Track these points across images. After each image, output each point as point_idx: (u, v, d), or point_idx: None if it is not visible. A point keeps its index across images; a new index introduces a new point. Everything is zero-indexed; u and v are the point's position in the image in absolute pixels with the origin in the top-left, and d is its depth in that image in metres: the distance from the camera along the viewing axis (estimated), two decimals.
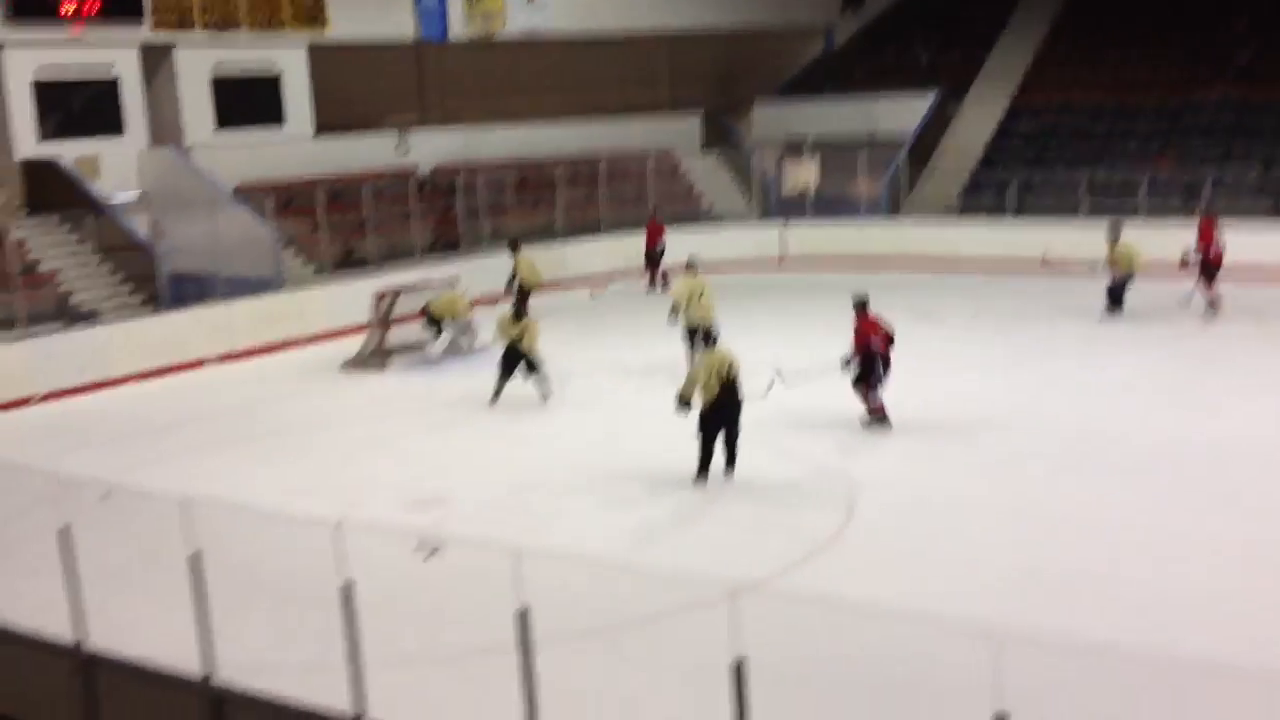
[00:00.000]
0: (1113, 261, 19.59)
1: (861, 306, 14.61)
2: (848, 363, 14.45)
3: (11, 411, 17.35)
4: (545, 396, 16.15)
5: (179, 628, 7.75)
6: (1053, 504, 11.78)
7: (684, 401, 12.63)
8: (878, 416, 14.50)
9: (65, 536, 8.34)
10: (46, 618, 8.60)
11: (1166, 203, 24.74)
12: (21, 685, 8.65)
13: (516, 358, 16.05)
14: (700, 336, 16.20)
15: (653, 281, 24.36)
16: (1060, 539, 10.90)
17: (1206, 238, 19.64)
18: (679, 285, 18.11)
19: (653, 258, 24.57)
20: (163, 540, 8.33)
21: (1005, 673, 5.06)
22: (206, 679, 7.61)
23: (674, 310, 17.60)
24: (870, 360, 14.39)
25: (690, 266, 18.25)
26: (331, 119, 26.54)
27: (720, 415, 12.50)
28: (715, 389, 12.40)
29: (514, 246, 21.57)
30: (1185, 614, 9.22)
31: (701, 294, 17.44)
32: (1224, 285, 19.49)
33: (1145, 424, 14.23)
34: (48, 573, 8.60)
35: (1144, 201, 24.68)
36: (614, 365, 18.41)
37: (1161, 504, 11.66)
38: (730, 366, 12.54)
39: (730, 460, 12.62)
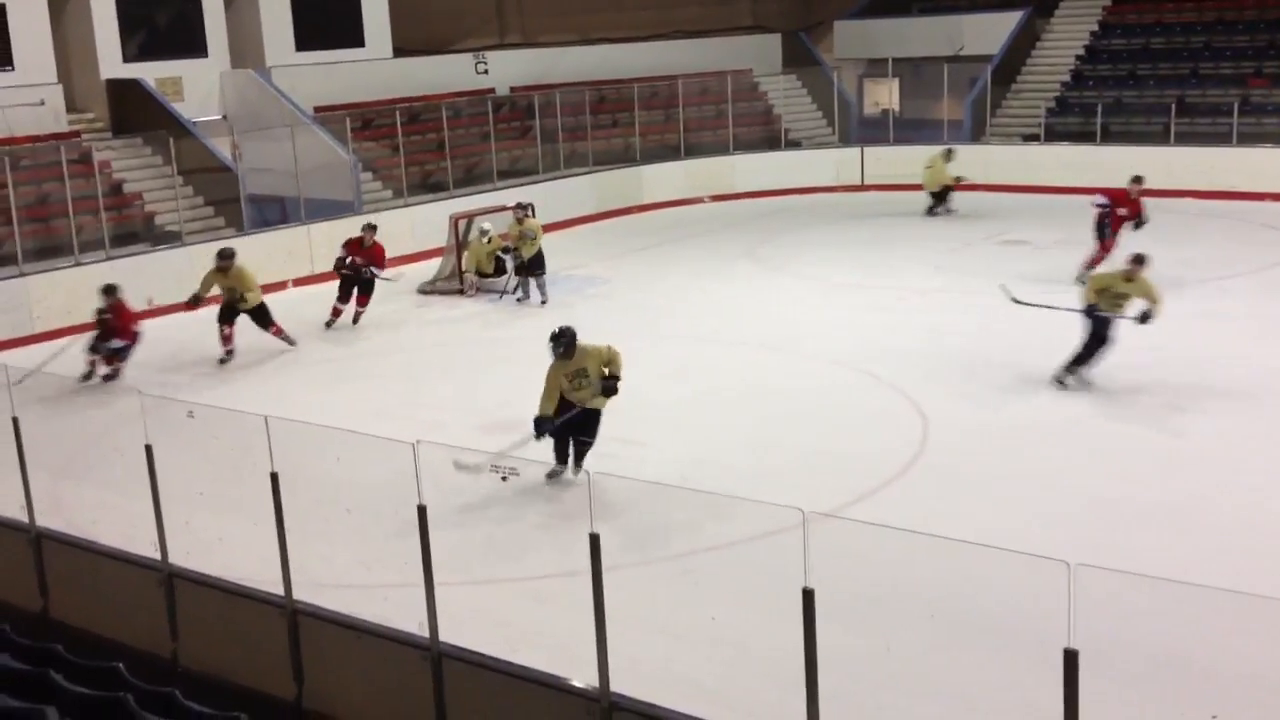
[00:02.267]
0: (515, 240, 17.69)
1: (110, 291, 14.77)
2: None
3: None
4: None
5: (260, 545, 7.90)
6: (1143, 435, 11.59)
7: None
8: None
9: (150, 454, 8.50)
10: (131, 534, 8.82)
11: (1260, 126, 23.99)
12: (106, 601, 8.88)
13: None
14: None
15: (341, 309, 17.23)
16: (1140, 471, 10.74)
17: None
18: None
19: (357, 281, 17.00)
20: (244, 458, 8.48)
21: (1077, 603, 4.99)
22: (284, 596, 7.76)
23: None
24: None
25: None
26: (409, 40, 26.49)
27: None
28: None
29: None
30: (1272, 551, 9.06)
31: None
32: None
33: (1236, 354, 13.90)
34: (133, 490, 8.81)
35: (1236, 125, 23.90)
36: (684, 298, 18.37)
37: (1257, 436, 11.41)
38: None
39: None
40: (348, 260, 16.94)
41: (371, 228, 17.26)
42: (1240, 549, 9.06)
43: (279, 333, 16.02)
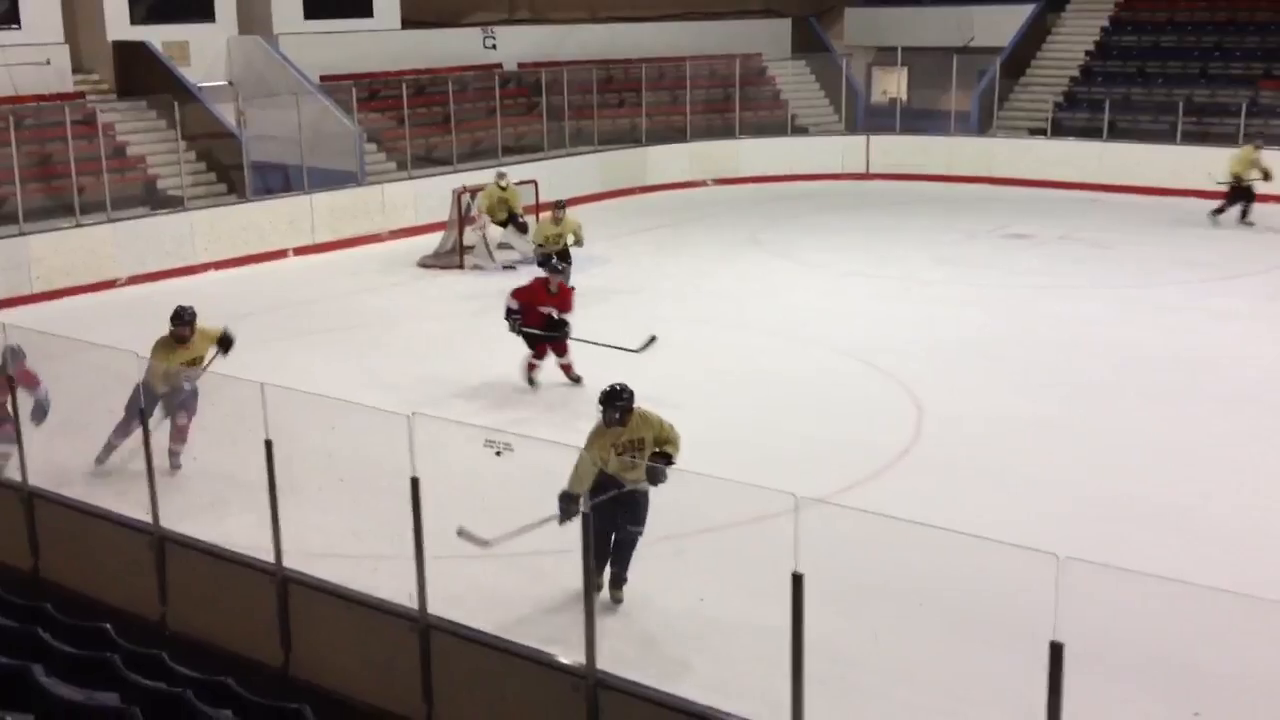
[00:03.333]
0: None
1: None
2: None
3: (97, 293, 17.70)
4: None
5: (252, 512, 7.90)
6: (1140, 432, 11.58)
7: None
8: None
9: (144, 418, 8.50)
10: (124, 498, 8.82)
11: (1268, 128, 23.92)
12: (97, 562, 8.88)
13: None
14: None
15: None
16: (1144, 469, 10.73)
17: None
18: None
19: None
20: (239, 425, 8.47)
21: (1067, 598, 4.99)
22: (275, 564, 7.76)
23: None
24: None
25: None
26: (418, 12, 26.39)
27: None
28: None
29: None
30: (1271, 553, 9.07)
31: None
32: None
33: (1245, 354, 13.89)
34: (127, 452, 8.81)
35: (1243, 125, 23.80)
36: (686, 281, 18.35)
37: (1258, 438, 11.40)
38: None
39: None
40: (532, 312, 13.02)
41: (556, 269, 13.86)
42: (1241, 549, 9.07)
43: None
